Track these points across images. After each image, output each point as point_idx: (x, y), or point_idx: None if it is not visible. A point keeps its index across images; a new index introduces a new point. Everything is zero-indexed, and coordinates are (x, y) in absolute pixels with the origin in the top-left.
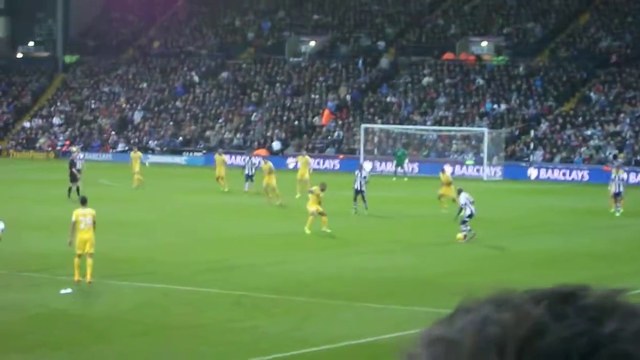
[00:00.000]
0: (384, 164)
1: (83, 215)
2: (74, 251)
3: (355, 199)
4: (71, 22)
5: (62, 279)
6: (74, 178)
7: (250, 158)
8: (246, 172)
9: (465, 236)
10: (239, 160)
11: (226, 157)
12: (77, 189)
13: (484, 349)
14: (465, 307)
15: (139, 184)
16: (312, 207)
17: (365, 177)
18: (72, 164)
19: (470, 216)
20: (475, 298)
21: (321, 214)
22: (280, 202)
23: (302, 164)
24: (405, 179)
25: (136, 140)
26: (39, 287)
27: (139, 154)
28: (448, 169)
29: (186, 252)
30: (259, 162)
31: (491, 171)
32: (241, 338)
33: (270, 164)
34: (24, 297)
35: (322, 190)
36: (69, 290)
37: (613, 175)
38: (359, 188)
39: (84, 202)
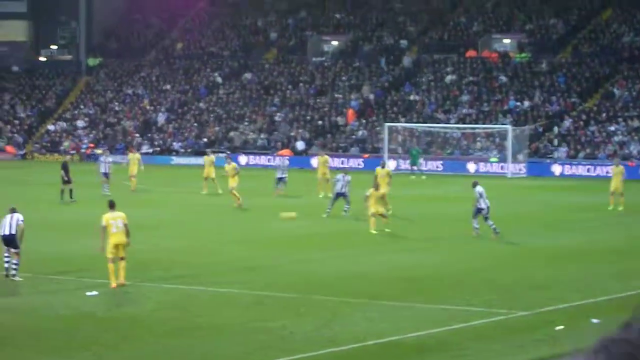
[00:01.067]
0: (407, 162)
1: (113, 219)
2: (105, 256)
3: (333, 202)
4: (94, 25)
5: (87, 282)
6: (67, 180)
7: (281, 162)
8: (277, 175)
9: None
10: (262, 160)
11: (214, 158)
12: (70, 191)
13: None
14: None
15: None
16: (372, 208)
17: (348, 181)
18: (65, 167)
19: (479, 210)
20: None
21: (382, 215)
22: (240, 203)
23: (322, 163)
24: (424, 177)
25: (144, 141)
26: (64, 290)
27: (138, 155)
28: (391, 163)
29: (209, 253)
30: (285, 163)
31: (515, 168)
32: (269, 338)
33: (234, 164)
34: (50, 299)
35: (376, 189)
36: (94, 293)
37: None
38: (340, 191)
39: (112, 206)
